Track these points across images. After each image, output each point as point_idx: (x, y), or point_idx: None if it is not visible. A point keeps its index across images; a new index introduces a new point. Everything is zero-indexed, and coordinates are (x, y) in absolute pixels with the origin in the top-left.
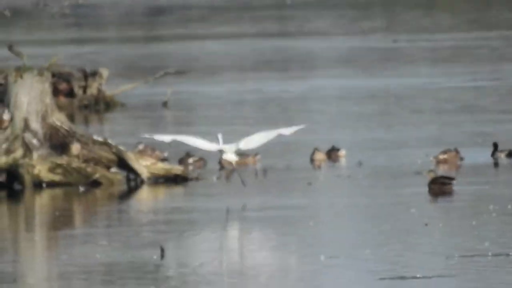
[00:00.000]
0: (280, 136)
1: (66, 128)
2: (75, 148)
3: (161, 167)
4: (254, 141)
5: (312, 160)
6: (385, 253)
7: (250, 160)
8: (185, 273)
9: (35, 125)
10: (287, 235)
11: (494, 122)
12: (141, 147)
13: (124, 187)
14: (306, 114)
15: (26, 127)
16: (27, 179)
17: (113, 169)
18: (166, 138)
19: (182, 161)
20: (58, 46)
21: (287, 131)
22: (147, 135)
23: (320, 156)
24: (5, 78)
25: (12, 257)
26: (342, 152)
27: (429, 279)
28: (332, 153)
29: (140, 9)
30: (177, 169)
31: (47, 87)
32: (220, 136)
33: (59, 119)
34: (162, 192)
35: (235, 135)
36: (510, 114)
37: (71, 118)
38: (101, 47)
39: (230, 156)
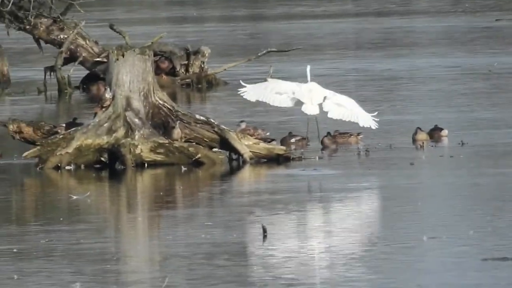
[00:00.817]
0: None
1: (169, 107)
2: (176, 132)
3: (263, 147)
4: (341, 103)
5: (414, 140)
6: (488, 234)
7: (352, 139)
8: (287, 253)
9: (137, 104)
10: (390, 214)
11: None
12: (243, 125)
13: (226, 167)
14: (408, 93)
15: (128, 106)
16: (129, 158)
17: (215, 149)
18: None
19: (284, 141)
20: (160, 25)
21: (364, 120)
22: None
23: (422, 136)
24: (107, 56)
25: (115, 237)
26: (445, 132)
27: None
28: (434, 133)
29: None
30: (279, 149)
31: (149, 65)
32: (308, 69)
33: (161, 98)
34: (264, 172)
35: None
36: None
37: (173, 96)
38: (204, 26)
39: (310, 108)
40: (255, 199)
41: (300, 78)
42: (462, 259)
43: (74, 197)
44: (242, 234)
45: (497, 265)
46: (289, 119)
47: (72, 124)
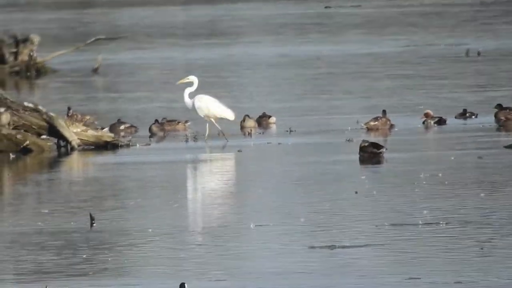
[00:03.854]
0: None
1: None
2: (5, 117)
3: (91, 134)
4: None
5: (242, 127)
6: (315, 222)
7: (180, 126)
8: (116, 239)
9: None
10: (224, 205)
11: (426, 90)
12: (70, 112)
13: (54, 154)
14: (237, 80)
15: None
16: None
17: (44, 136)
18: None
19: (113, 128)
20: None
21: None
22: None
23: (250, 123)
24: None
25: None
26: (273, 119)
27: (359, 248)
28: (262, 120)
29: None
30: (108, 136)
31: None
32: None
33: None
34: (92, 159)
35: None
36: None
37: (1, 84)
38: (33, 13)
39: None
40: (81, 188)
41: (128, 66)
42: (290, 247)
43: None
44: (69, 222)
45: (324, 253)
46: (117, 107)
47: None
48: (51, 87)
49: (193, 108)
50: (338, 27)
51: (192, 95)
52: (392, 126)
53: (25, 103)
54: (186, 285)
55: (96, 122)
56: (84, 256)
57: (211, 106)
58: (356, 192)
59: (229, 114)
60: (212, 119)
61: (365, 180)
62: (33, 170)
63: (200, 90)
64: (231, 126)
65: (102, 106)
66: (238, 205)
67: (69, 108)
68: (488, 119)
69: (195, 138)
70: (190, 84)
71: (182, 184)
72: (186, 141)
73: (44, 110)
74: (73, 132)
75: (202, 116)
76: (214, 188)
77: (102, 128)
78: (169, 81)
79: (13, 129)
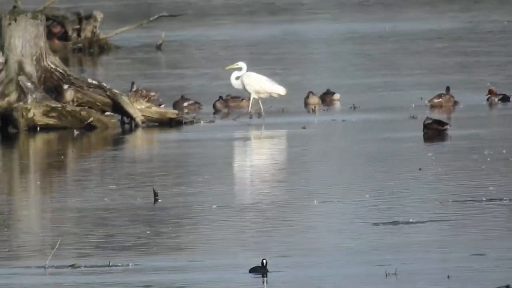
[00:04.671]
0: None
1: (61, 71)
2: (69, 94)
3: (155, 111)
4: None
5: (306, 104)
6: (379, 198)
7: (244, 103)
8: (180, 215)
9: (30, 68)
10: (287, 181)
11: (490, 67)
12: (134, 87)
13: (118, 130)
14: (300, 57)
15: (21, 70)
16: (22, 122)
17: (108, 113)
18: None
19: (176, 105)
20: None
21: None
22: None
23: (314, 99)
24: None
25: (4, 199)
26: (337, 96)
27: (422, 224)
28: (327, 97)
29: None
30: (172, 112)
31: (41, 30)
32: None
33: (53, 62)
34: (156, 136)
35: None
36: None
37: (65, 61)
38: None
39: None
40: (148, 163)
41: (191, 43)
42: (352, 223)
43: None
44: (133, 198)
45: (388, 229)
46: (180, 84)
47: None
48: (114, 64)
49: (242, 87)
50: (401, 3)
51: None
52: (456, 103)
53: (89, 80)
54: (265, 261)
55: (160, 99)
56: (148, 232)
57: (261, 82)
58: (420, 169)
59: (280, 89)
60: (262, 96)
61: (429, 157)
62: (97, 147)
63: (264, 67)
64: (295, 103)
65: (165, 83)
66: (302, 182)
67: (132, 83)
68: None
69: (259, 115)
70: (239, 69)
71: (246, 161)
72: (250, 117)
73: (108, 86)
74: (137, 109)
75: (252, 92)
76: (278, 165)
77: (160, 105)
78: (232, 58)
79: (77, 106)
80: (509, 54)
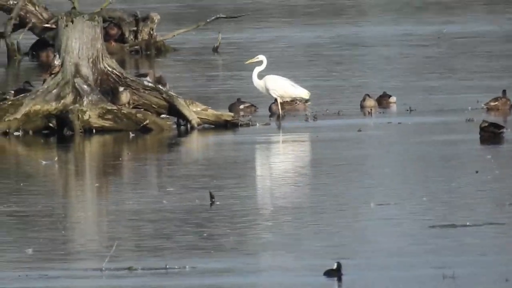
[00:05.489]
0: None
1: (117, 73)
2: (125, 96)
3: (211, 113)
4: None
5: (362, 107)
6: (436, 201)
7: (300, 105)
8: (237, 217)
9: (86, 70)
10: (338, 181)
11: None
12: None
13: (174, 132)
14: (357, 59)
15: (77, 72)
16: (77, 124)
17: (163, 115)
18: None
19: (232, 107)
20: None
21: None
22: None
23: (370, 102)
24: (57, 23)
25: (61, 201)
26: (393, 99)
27: (479, 226)
28: (383, 99)
29: None
30: (228, 115)
31: (98, 32)
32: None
33: (110, 65)
34: (212, 138)
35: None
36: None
37: (122, 63)
38: None
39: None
40: (204, 166)
41: (248, 43)
42: (409, 226)
43: (44, 162)
44: (190, 200)
45: (445, 232)
46: (236, 87)
47: (22, 90)
48: (171, 66)
49: (264, 90)
50: (458, 5)
51: (260, 76)
52: None
53: (145, 82)
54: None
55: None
56: (205, 234)
57: (286, 87)
58: (477, 172)
59: (304, 93)
60: (287, 99)
61: (486, 160)
62: (152, 149)
63: (320, 68)
64: (351, 106)
65: (221, 85)
66: (358, 184)
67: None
68: None
69: (315, 118)
70: (260, 63)
71: (302, 163)
72: (306, 120)
73: (164, 89)
74: (193, 111)
75: (276, 97)
76: (334, 167)
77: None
78: (288, 61)
79: (133, 108)
80: None
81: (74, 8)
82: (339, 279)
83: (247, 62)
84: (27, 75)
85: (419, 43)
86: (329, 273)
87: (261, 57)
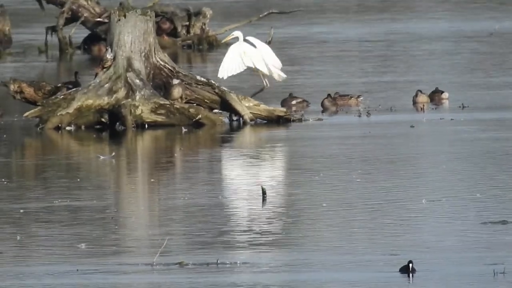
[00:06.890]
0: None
1: (170, 67)
2: (177, 91)
3: (263, 108)
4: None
5: (415, 103)
6: (488, 198)
7: (352, 101)
8: (289, 213)
9: (138, 64)
10: (395, 179)
11: None
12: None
13: (226, 128)
14: (409, 55)
15: (129, 66)
16: (130, 119)
17: (216, 110)
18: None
19: (284, 102)
20: None
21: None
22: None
23: (423, 98)
24: (109, 17)
25: (114, 196)
26: (446, 95)
27: None
28: (435, 95)
29: None
30: (280, 110)
31: (150, 26)
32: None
33: (162, 59)
34: (264, 133)
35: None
36: None
37: (174, 57)
38: None
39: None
40: (258, 161)
41: (301, 40)
42: (464, 221)
43: (101, 157)
44: (241, 196)
45: (497, 228)
46: (288, 82)
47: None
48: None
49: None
50: (510, 1)
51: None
52: None
53: (198, 77)
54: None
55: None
56: (258, 229)
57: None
58: None
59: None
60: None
61: None
62: (205, 144)
63: (373, 64)
64: (404, 102)
65: (274, 80)
66: (410, 181)
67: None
68: None
69: (368, 113)
70: (236, 40)
71: (353, 159)
72: (359, 116)
73: (216, 84)
74: (245, 106)
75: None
76: (386, 163)
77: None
78: (340, 56)
79: (185, 103)
80: None
81: (126, 2)
82: (412, 275)
83: (223, 41)
84: (79, 69)
85: (471, 40)
86: (404, 270)
87: (237, 33)
